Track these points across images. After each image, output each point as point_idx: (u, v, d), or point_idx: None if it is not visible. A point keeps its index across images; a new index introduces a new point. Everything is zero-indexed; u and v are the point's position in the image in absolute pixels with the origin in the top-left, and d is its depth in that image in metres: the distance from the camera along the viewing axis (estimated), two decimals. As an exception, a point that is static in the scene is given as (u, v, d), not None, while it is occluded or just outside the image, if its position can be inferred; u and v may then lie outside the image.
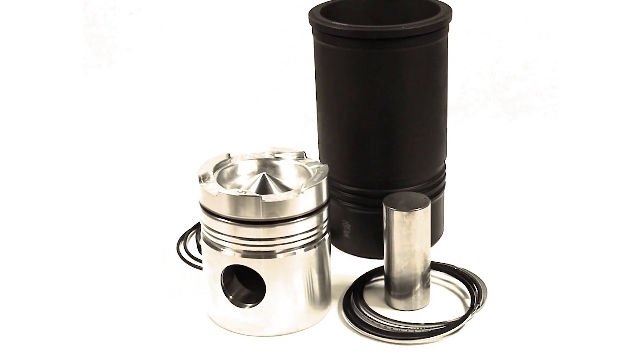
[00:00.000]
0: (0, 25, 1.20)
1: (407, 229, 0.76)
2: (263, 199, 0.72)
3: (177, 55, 1.23)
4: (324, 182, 0.75)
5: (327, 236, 0.77)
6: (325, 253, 0.77)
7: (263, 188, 0.76)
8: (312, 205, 0.74)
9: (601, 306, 0.77)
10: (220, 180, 0.76)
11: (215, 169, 0.76)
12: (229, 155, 0.78)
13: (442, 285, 0.82)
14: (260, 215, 0.72)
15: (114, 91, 1.22)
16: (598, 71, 1.15)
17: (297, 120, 1.15)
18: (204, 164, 0.77)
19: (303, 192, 0.73)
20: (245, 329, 0.76)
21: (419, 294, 0.78)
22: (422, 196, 0.78)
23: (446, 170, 0.88)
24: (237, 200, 0.72)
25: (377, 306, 0.79)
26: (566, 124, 1.13)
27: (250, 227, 0.72)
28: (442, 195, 0.88)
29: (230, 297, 0.76)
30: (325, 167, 0.77)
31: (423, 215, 0.76)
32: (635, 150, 1.06)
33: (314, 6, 0.85)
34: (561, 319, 0.76)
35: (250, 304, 0.75)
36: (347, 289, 0.80)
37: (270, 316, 0.75)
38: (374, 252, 0.84)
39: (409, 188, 0.82)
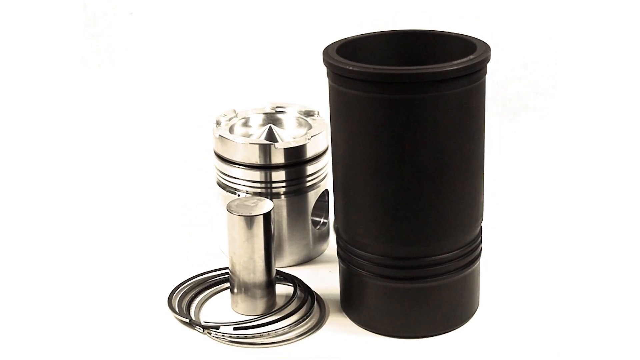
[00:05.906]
0: (1, 26, 1.21)
1: (239, 232, 0.75)
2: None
3: (177, 55, 1.23)
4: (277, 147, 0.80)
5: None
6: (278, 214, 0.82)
7: (270, 137, 0.85)
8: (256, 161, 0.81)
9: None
10: (231, 130, 0.85)
11: (228, 120, 0.87)
12: (235, 111, 0.88)
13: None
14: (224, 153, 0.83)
15: (114, 91, 1.22)
16: (597, 71, 1.15)
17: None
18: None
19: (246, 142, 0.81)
20: None
21: (244, 300, 0.77)
22: (267, 204, 0.76)
23: (482, 235, 0.76)
24: (223, 142, 0.83)
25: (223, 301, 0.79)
26: (565, 124, 1.13)
27: (223, 163, 0.84)
28: (477, 264, 0.74)
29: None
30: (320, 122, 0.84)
31: (252, 222, 0.75)
32: (634, 149, 1.06)
33: (328, 44, 0.73)
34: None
35: None
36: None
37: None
38: (399, 328, 0.73)
39: (439, 257, 0.71)
